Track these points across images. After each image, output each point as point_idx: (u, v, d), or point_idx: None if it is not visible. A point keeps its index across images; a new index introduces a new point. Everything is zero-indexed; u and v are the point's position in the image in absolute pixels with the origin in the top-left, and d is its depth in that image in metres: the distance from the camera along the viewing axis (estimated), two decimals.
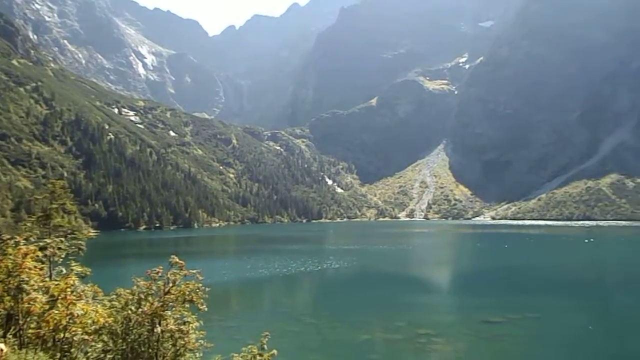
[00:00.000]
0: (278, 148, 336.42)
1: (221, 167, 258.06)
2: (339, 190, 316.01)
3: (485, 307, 40.45)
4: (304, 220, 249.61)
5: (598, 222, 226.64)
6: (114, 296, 10.30)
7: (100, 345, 9.76)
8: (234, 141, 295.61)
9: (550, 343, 31.03)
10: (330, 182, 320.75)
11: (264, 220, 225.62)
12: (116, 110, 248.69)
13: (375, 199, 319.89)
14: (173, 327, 9.85)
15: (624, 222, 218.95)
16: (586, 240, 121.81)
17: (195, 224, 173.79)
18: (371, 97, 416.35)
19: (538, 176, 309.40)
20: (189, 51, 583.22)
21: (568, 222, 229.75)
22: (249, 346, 10.22)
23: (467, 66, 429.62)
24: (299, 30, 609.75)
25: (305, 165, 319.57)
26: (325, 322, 36.13)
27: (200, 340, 10.16)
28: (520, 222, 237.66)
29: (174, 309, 10.08)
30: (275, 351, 10.16)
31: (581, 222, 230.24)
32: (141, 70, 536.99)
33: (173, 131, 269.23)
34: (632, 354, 28.80)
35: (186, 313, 10.15)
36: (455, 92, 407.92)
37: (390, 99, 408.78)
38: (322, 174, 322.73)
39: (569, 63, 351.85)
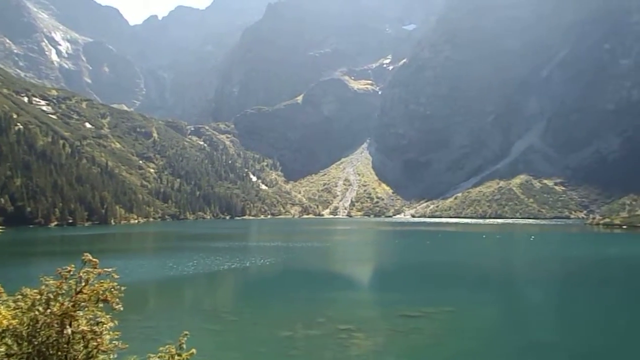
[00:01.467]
0: (201, 143, 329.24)
1: (141, 162, 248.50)
2: (263, 187, 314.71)
3: (403, 301, 41.85)
4: (228, 217, 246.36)
5: (508, 219, 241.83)
6: (20, 297, 9.63)
7: (3, 349, 9.11)
8: (155, 135, 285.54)
9: (463, 335, 32.63)
10: (254, 178, 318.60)
11: (185, 217, 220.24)
12: (26, 99, 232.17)
13: (300, 196, 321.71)
14: (85, 328, 9.39)
15: (531, 220, 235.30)
16: (498, 236, 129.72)
17: (112, 221, 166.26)
18: (297, 94, 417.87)
19: (455, 176, 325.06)
20: (107, 40, 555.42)
21: (481, 220, 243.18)
22: (167, 346, 9.92)
23: (390, 67, 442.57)
24: (224, 24, 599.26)
25: (230, 161, 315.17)
26: (247, 320, 35.87)
27: (114, 341, 9.75)
28: (437, 220, 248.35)
29: (86, 309, 9.61)
30: (194, 350, 9.94)
31: (493, 219, 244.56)
32: (54, 58, 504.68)
33: (89, 123, 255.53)
34: (540, 345, 30.96)
35: (100, 313, 9.71)
36: (379, 93, 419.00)
37: (316, 97, 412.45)
38: (246, 170, 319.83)
39: (485, 69, 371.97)
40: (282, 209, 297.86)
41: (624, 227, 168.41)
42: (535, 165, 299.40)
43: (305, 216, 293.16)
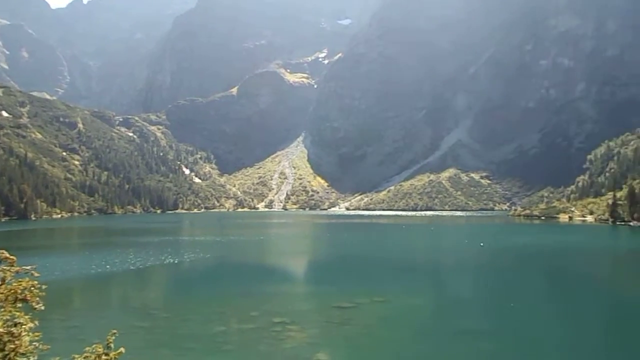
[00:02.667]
0: (131, 134, 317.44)
1: (64, 153, 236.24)
2: (196, 180, 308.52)
3: (337, 293, 42.56)
4: (159, 211, 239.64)
5: (438, 212, 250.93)
6: None
7: None
8: (80, 125, 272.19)
9: (394, 324, 33.74)
10: (187, 171, 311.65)
11: (113, 211, 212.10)
12: None
13: (235, 190, 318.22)
14: (1, 330, 8.88)
15: (459, 212, 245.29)
16: (432, 229, 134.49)
17: (33, 216, 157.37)
18: (231, 86, 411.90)
19: (388, 169, 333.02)
20: (26, 23, 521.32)
21: (413, 212, 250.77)
22: (94, 345, 9.54)
23: (326, 61, 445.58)
24: (155, 12, 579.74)
25: (161, 154, 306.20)
26: (179, 316, 35.14)
27: (35, 343, 9.26)
28: (371, 212, 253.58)
29: (2, 309, 9.08)
30: (122, 349, 9.63)
31: (424, 212, 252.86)
32: None
33: (6, 111, 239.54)
34: (467, 332, 32.45)
35: (18, 314, 9.18)
36: (315, 86, 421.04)
37: (251, 89, 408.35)
38: (179, 162, 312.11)
39: (417, 65, 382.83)
40: (216, 202, 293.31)
41: (542, 218, 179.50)
42: (463, 160, 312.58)
43: (240, 210, 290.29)
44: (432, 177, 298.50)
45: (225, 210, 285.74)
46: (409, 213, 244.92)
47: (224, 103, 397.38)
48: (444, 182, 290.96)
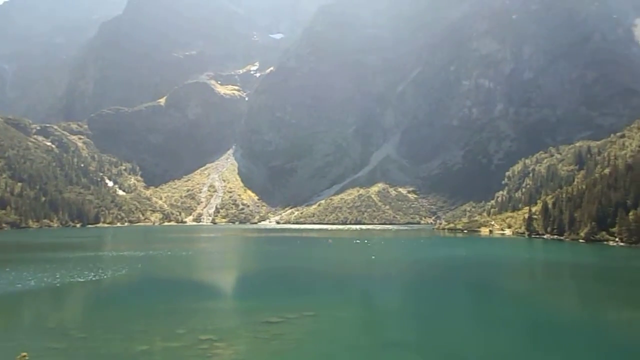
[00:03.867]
0: (49, 144, 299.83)
1: None
2: (120, 192, 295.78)
3: (266, 308, 41.95)
4: (79, 225, 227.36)
5: (367, 225, 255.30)
6: None
7: None
8: None
9: (323, 338, 33.63)
10: (110, 183, 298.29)
11: (28, 225, 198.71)
12: None
13: (161, 203, 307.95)
14: None
15: (387, 226, 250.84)
16: (357, 241, 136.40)
17: None
18: (159, 96, 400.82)
19: (319, 183, 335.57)
20: None
21: (343, 226, 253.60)
22: None
23: (257, 74, 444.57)
24: (78, 16, 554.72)
25: (82, 165, 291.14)
26: (98, 335, 33.10)
27: None
28: (301, 226, 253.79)
29: None
30: None
31: (354, 225, 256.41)
32: None
33: None
34: (394, 344, 32.89)
35: None
36: (246, 99, 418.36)
37: (180, 100, 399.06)
38: (101, 174, 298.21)
39: (347, 82, 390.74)
40: (141, 215, 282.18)
41: (465, 231, 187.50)
42: (391, 175, 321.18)
43: (166, 223, 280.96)
44: (362, 191, 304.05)
45: (151, 224, 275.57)
46: (339, 227, 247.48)
47: (151, 113, 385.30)
48: (373, 196, 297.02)
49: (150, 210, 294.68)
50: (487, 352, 31.54)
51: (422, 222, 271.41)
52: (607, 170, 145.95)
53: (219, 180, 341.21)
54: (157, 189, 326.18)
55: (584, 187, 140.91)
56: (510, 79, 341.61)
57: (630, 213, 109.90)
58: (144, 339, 31.91)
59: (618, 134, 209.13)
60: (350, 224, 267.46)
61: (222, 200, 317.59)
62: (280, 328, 34.53)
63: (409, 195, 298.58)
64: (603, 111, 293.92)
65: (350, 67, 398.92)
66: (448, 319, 41.50)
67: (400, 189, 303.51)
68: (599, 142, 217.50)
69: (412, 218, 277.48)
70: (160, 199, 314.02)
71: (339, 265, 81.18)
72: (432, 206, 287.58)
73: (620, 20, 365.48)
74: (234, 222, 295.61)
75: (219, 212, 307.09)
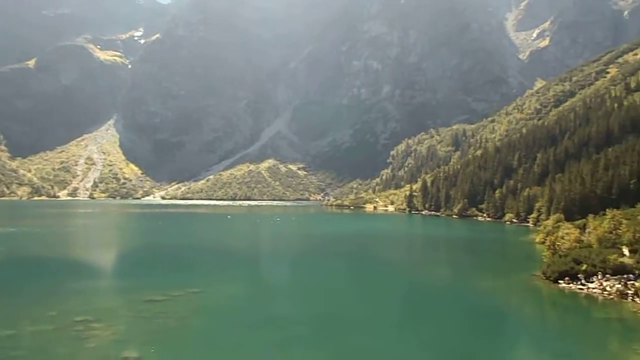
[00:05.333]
0: None
1: None
2: None
3: (149, 286, 39.88)
4: None
5: (257, 201, 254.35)
6: None
7: None
8: None
9: (209, 314, 32.79)
10: None
11: None
12: None
13: (30, 175, 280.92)
14: None
15: (276, 202, 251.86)
16: (259, 221, 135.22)
17: None
18: (28, 58, 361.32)
19: (207, 158, 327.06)
20: None
21: (232, 202, 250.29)
22: None
23: (142, 41, 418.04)
24: None
25: None
26: None
27: None
28: (189, 202, 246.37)
29: None
30: None
31: (243, 201, 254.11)
32: None
33: None
34: (277, 316, 32.81)
35: None
36: (129, 66, 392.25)
37: (52, 63, 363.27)
38: None
39: (239, 55, 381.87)
40: (5, 189, 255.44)
41: (352, 207, 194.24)
42: (282, 151, 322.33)
43: (36, 198, 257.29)
44: (252, 167, 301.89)
45: (18, 198, 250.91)
46: (228, 202, 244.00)
47: (17, 76, 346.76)
48: (263, 172, 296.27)
49: (17, 183, 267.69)
50: (365, 318, 32.80)
51: (311, 198, 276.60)
52: (478, 152, 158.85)
53: (98, 152, 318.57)
54: (25, 160, 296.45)
55: (458, 167, 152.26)
56: (397, 62, 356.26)
57: (497, 191, 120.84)
58: (9, 324, 28.71)
59: (489, 118, 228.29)
60: (240, 199, 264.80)
61: (101, 174, 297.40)
62: (163, 306, 32.94)
63: (299, 171, 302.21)
64: (477, 97, 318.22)
65: (242, 39, 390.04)
66: (331, 290, 42.52)
67: (290, 166, 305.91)
68: (473, 126, 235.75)
69: (301, 194, 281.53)
70: (29, 171, 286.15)
71: (228, 242, 79.85)
72: (321, 183, 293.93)
73: (494, 13, 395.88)
74: (114, 197, 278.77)
75: (97, 186, 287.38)
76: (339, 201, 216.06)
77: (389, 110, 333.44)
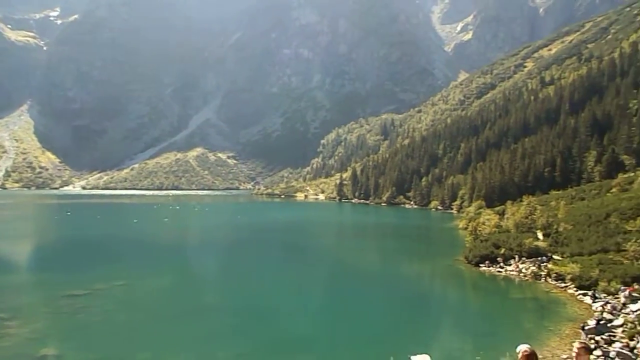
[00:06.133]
0: None
1: None
2: None
3: (69, 281, 37.77)
4: None
5: (185, 191, 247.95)
6: None
7: None
8: None
9: (133, 307, 31.56)
10: None
11: None
12: None
13: None
14: None
15: (205, 192, 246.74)
16: (177, 207, 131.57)
17: None
18: None
19: (132, 146, 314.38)
20: None
21: (158, 192, 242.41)
22: None
23: (58, 22, 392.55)
24: None
25: None
26: None
27: None
28: (112, 192, 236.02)
29: None
30: None
31: (170, 191, 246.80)
32: None
33: None
34: (203, 307, 32.11)
35: None
36: (44, 48, 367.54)
37: None
38: None
39: (164, 39, 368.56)
40: None
41: (282, 196, 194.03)
42: (211, 139, 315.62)
43: None
44: (180, 155, 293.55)
45: None
46: (154, 192, 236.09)
47: None
48: (191, 161, 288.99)
49: None
50: (293, 306, 32.95)
51: (241, 187, 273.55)
52: (406, 141, 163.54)
53: (10, 139, 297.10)
54: None
55: (387, 156, 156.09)
56: (327, 51, 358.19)
57: (423, 179, 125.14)
58: None
59: (416, 108, 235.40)
60: (167, 189, 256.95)
61: (13, 163, 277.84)
62: (85, 300, 31.32)
63: (229, 160, 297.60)
64: (404, 87, 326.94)
65: (168, 23, 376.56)
66: (259, 280, 42.27)
67: (219, 154, 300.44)
68: (401, 116, 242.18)
69: (231, 183, 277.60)
70: None
71: (155, 233, 77.28)
72: (252, 172, 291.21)
73: (421, 6, 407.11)
74: (29, 188, 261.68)
75: (10, 176, 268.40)
76: (269, 190, 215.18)
77: (319, 99, 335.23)
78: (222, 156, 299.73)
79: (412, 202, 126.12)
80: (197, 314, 30.31)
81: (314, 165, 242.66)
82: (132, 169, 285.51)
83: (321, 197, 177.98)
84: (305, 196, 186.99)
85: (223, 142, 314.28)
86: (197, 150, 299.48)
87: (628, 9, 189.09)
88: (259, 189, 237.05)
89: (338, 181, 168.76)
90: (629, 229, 42.60)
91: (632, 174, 70.42)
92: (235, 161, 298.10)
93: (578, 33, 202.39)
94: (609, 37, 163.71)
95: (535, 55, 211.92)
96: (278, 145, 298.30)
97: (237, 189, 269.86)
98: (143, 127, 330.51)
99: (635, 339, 23.61)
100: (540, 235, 49.44)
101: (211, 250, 60.83)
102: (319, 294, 37.93)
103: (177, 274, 44.47)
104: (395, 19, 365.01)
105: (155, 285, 38.37)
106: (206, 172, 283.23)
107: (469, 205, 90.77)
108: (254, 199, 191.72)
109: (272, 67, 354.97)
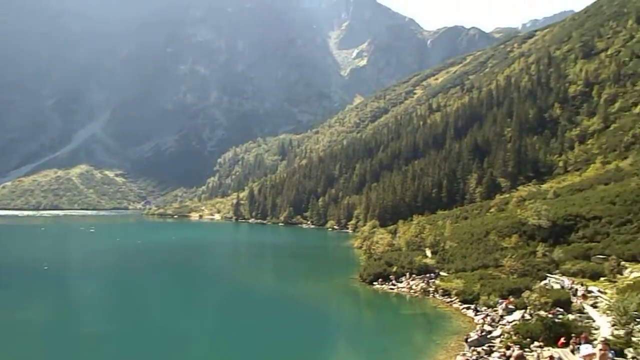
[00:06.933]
0: None
1: None
2: None
3: None
4: None
5: (66, 211, 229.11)
6: None
7: None
8: None
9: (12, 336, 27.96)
10: None
11: None
12: None
13: None
14: None
15: (90, 211, 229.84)
16: (43, 229, 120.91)
17: None
18: None
19: (5, 162, 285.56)
20: None
21: (35, 212, 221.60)
22: None
23: None
24: None
25: None
26: None
27: None
28: None
29: None
30: None
31: (48, 211, 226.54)
32: None
33: None
34: (86, 334, 29.34)
35: None
36: None
37: None
38: None
39: (45, 47, 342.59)
40: None
41: (175, 216, 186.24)
42: (97, 156, 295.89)
43: None
44: (60, 173, 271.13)
45: None
46: (30, 213, 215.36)
47: None
48: (74, 179, 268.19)
49: None
50: (186, 330, 31.07)
51: (131, 207, 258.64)
52: (304, 162, 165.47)
53: None
54: None
55: (285, 175, 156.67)
56: (225, 69, 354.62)
57: (320, 199, 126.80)
58: None
59: (314, 130, 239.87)
60: (45, 209, 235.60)
61: None
62: None
63: (117, 178, 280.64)
64: (302, 108, 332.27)
65: (48, 30, 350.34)
66: (149, 306, 39.60)
67: (107, 172, 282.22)
68: (298, 136, 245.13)
69: (119, 203, 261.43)
70: None
71: (32, 256, 70.05)
72: (142, 191, 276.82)
73: (319, 31, 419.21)
74: None
75: None
76: (161, 210, 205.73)
77: (216, 117, 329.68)
78: (110, 174, 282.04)
79: (309, 222, 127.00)
80: (83, 341, 27.54)
81: (210, 185, 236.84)
82: (3, 187, 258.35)
83: (217, 217, 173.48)
84: (200, 216, 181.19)
85: (110, 159, 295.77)
86: (81, 167, 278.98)
87: (502, 46, 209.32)
88: (149, 208, 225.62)
89: (235, 201, 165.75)
90: (505, 245, 45.86)
91: (508, 195, 76.64)
92: (124, 179, 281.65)
93: (461, 65, 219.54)
94: (487, 70, 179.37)
95: (424, 83, 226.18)
96: (172, 163, 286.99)
97: (126, 209, 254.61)
98: (18, 142, 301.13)
99: (511, 347, 24.95)
100: (429, 252, 51.63)
101: (95, 274, 55.95)
102: (212, 318, 36.21)
103: (62, 300, 40.36)
104: (293, 42, 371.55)
105: (39, 312, 34.42)
106: (91, 190, 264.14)
107: (364, 225, 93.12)
108: (145, 219, 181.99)
109: (166, 82, 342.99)
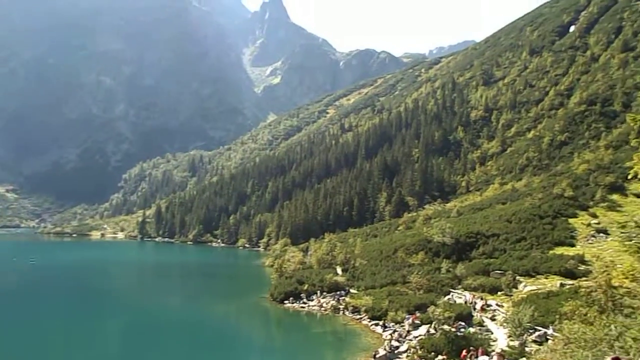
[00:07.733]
0: None
1: None
2: None
3: None
4: None
5: None
6: None
7: None
8: None
9: None
10: None
11: None
12: None
13: None
14: None
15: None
16: None
17: None
18: None
19: None
20: None
21: None
22: None
23: None
24: None
25: None
26: None
27: None
28: None
29: None
30: None
31: None
32: None
33: None
34: None
35: None
36: None
37: None
38: None
39: None
40: None
41: (74, 235, 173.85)
42: None
43: None
44: None
45: None
46: None
47: None
48: None
49: None
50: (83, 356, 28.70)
51: (23, 225, 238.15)
52: (215, 179, 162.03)
53: None
54: None
55: (195, 192, 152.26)
56: (132, 82, 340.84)
57: (231, 217, 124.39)
58: None
59: (226, 146, 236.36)
60: None
61: None
62: None
63: (7, 194, 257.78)
64: (214, 124, 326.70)
65: None
66: (44, 334, 36.16)
67: None
68: (210, 152, 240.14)
69: (9, 221, 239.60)
70: None
71: None
72: (37, 208, 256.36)
73: (233, 46, 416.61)
74: None
75: None
76: (58, 228, 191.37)
77: (122, 131, 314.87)
78: (0, 189, 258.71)
79: (219, 241, 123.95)
80: None
81: (114, 202, 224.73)
82: None
83: (120, 235, 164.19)
84: (102, 235, 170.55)
85: (2, 174, 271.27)
86: None
87: (411, 70, 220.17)
88: (45, 227, 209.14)
89: (140, 219, 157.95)
90: (412, 262, 47.40)
91: (415, 214, 79.75)
92: (16, 195, 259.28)
93: (372, 87, 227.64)
94: (397, 92, 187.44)
95: (337, 103, 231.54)
96: (72, 179, 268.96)
97: (18, 227, 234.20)
98: None
99: None
100: (339, 270, 52.02)
101: None
102: (114, 347, 33.59)
103: None
104: (206, 55, 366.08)
105: None
106: None
107: (276, 243, 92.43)
108: (39, 238, 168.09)
109: (70, 92, 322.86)
